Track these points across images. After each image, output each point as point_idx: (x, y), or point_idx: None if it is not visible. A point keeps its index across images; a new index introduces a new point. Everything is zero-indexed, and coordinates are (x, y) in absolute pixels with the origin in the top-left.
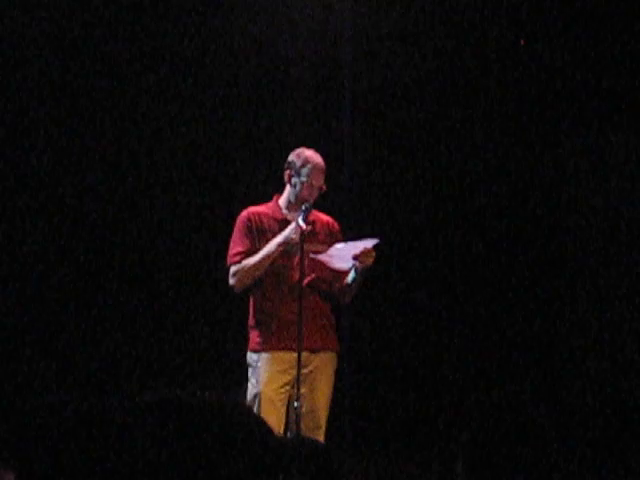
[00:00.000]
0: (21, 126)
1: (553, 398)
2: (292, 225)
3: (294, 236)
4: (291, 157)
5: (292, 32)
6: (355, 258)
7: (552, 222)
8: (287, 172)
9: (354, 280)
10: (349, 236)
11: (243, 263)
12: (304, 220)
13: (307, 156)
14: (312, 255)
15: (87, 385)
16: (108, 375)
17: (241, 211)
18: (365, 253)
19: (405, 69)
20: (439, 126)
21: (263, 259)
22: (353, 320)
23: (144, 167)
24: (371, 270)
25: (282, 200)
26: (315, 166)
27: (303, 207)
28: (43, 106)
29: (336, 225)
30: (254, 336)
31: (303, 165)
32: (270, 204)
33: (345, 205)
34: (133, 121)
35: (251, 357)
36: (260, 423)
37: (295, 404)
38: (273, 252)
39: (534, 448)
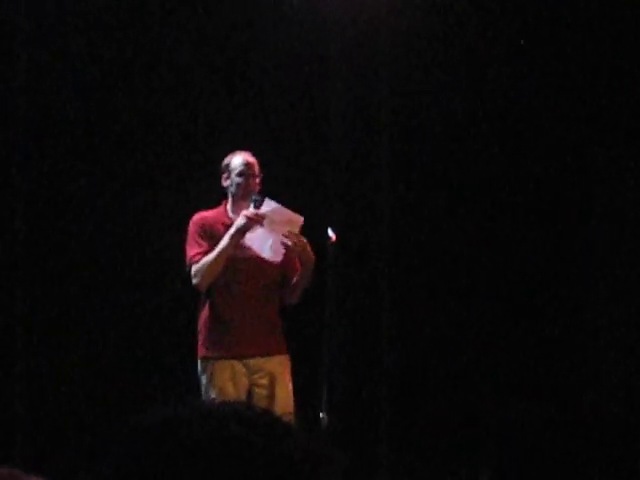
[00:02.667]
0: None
1: (577, 410)
2: (242, 213)
3: (243, 222)
4: (223, 162)
5: (326, 44)
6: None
7: (579, 232)
8: (222, 176)
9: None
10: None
11: (202, 260)
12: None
13: (233, 154)
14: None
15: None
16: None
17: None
18: (294, 242)
19: (438, 84)
20: (471, 140)
21: (220, 253)
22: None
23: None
24: (313, 265)
25: (228, 205)
26: (240, 159)
27: (252, 197)
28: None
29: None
30: (202, 343)
31: (230, 162)
32: (218, 209)
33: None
34: (142, 122)
35: (200, 365)
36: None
37: (321, 415)
38: (228, 244)
39: (559, 459)
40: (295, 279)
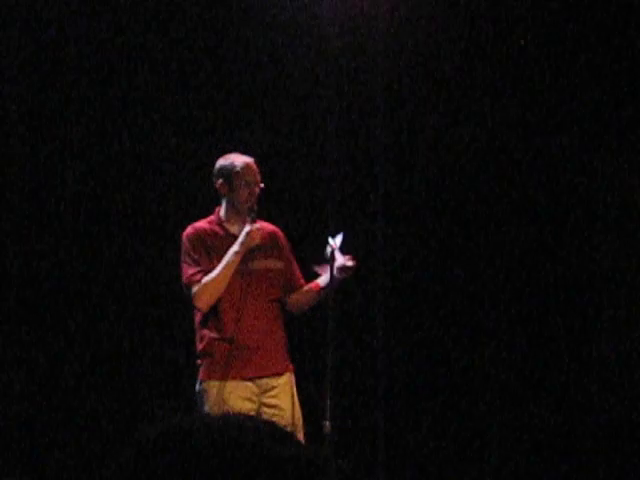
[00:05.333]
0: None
1: (582, 415)
2: (245, 230)
3: (246, 238)
4: (219, 164)
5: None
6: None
7: (582, 233)
8: (219, 182)
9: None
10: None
11: (204, 280)
12: (252, 223)
13: (234, 158)
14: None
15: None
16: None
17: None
18: (346, 267)
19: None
20: (469, 132)
21: (224, 271)
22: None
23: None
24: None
25: (222, 213)
26: (246, 164)
27: (250, 210)
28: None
29: (280, 233)
30: (208, 364)
31: (233, 167)
32: (211, 218)
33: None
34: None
35: (201, 386)
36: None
37: (327, 423)
38: (232, 262)
39: (560, 462)
40: (305, 298)
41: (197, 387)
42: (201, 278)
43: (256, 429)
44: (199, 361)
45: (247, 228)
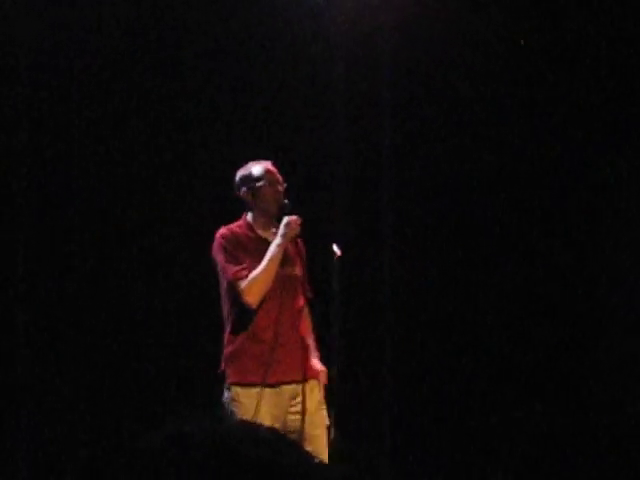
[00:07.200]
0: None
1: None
2: (284, 221)
3: (285, 230)
4: (239, 175)
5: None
6: None
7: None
8: (243, 190)
9: None
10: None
11: (252, 275)
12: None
13: (253, 164)
14: None
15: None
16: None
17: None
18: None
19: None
20: (480, 134)
21: (271, 263)
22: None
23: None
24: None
25: (250, 219)
26: (265, 169)
27: (284, 204)
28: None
29: (301, 241)
30: (234, 368)
31: (255, 172)
32: (240, 223)
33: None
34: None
35: (228, 392)
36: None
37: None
38: (277, 253)
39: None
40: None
41: (226, 394)
42: (247, 274)
43: (257, 438)
44: (224, 365)
45: (285, 220)
